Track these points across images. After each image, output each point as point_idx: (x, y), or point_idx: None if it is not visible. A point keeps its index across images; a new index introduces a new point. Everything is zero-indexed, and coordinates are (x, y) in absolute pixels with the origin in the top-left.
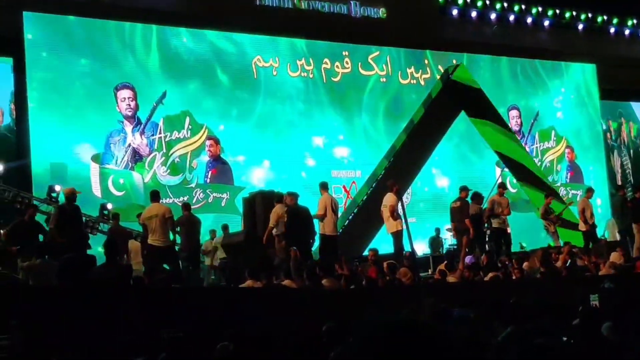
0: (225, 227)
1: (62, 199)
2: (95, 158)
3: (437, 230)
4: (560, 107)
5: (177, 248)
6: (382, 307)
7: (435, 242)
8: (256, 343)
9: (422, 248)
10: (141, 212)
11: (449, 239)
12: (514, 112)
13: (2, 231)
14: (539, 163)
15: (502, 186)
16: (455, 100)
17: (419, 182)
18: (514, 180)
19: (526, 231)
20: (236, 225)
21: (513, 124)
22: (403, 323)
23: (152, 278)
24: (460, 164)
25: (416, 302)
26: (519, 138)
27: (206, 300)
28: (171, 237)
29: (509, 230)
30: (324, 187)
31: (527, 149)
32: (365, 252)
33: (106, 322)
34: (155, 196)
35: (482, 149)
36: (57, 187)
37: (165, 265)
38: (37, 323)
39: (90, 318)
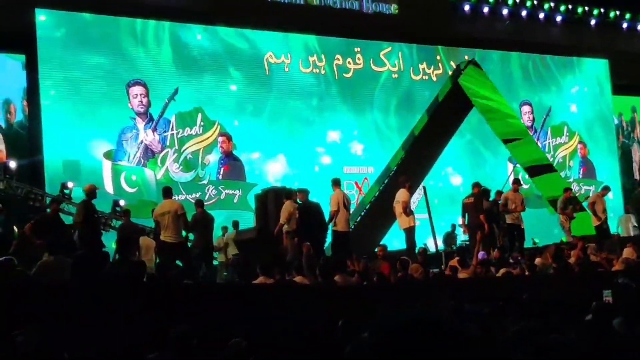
0: (235, 224)
1: (76, 194)
2: (108, 155)
3: (453, 227)
4: (572, 102)
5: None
6: (395, 303)
7: (450, 237)
8: (269, 339)
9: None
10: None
11: (462, 235)
12: (526, 108)
13: (13, 227)
14: (552, 159)
15: (517, 182)
16: (466, 96)
17: (432, 180)
18: (527, 177)
19: (539, 227)
20: (248, 221)
21: (525, 119)
22: (418, 319)
23: (163, 274)
24: (472, 160)
25: (429, 297)
26: (531, 134)
27: (218, 297)
28: (184, 233)
29: (522, 226)
30: (336, 183)
31: (540, 145)
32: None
33: (118, 319)
34: (167, 193)
35: (495, 145)
36: (70, 184)
37: (177, 262)
38: (49, 320)
39: (103, 315)
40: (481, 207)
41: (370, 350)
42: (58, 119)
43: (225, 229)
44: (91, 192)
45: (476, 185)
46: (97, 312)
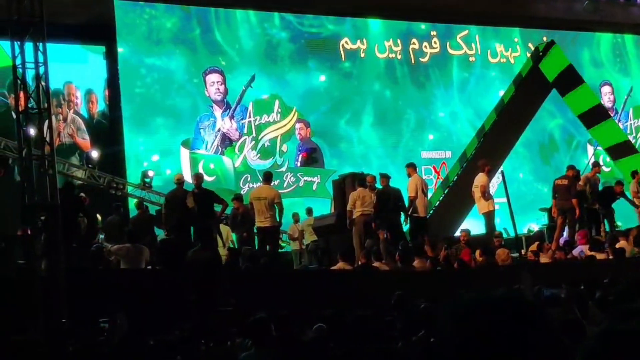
0: (309, 211)
1: (156, 183)
2: (186, 143)
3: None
4: None
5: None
6: (476, 287)
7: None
8: (350, 325)
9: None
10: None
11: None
12: (606, 89)
13: (96, 216)
14: (634, 140)
15: (596, 165)
16: (545, 79)
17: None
18: (607, 159)
19: (622, 210)
20: (326, 208)
21: (606, 100)
22: (500, 297)
23: (256, 261)
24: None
25: (511, 281)
26: (612, 115)
27: (299, 283)
28: (277, 218)
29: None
30: (413, 168)
31: (621, 126)
32: (458, 233)
33: (200, 303)
34: (267, 178)
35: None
36: (150, 173)
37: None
38: (133, 307)
39: (185, 300)
40: (575, 190)
41: (446, 328)
42: (138, 108)
43: (296, 215)
44: (177, 181)
45: (571, 167)
46: (179, 297)
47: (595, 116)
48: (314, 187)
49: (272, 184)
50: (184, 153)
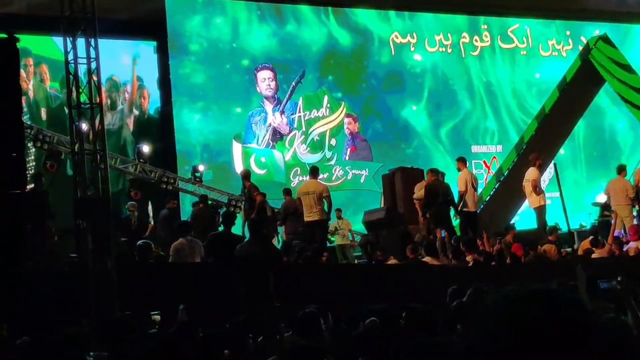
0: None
1: (207, 177)
2: (238, 137)
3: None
4: None
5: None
6: (528, 282)
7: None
8: (402, 319)
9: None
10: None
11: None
12: None
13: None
14: None
15: None
16: (597, 73)
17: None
18: None
19: None
20: (374, 202)
21: None
22: (538, 291)
23: (301, 255)
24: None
25: (563, 276)
26: None
27: (349, 277)
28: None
29: None
30: (463, 162)
31: None
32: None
33: (250, 297)
34: (314, 172)
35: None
36: (201, 167)
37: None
38: (184, 298)
39: (235, 293)
40: None
41: (485, 319)
42: (188, 103)
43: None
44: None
45: None
46: (229, 290)
47: None
48: (362, 180)
49: (319, 178)
50: (236, 147)
